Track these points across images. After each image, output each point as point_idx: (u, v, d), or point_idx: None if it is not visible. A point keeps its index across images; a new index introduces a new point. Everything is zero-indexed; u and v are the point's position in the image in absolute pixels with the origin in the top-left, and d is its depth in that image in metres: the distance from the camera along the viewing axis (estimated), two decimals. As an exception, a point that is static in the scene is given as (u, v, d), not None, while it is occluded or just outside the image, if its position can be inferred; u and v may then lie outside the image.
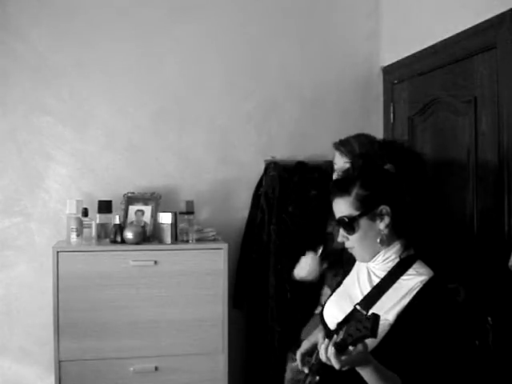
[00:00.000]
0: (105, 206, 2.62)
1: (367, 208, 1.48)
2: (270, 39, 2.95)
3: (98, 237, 2.60)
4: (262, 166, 2.88)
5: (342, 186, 1.52)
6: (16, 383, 2.73)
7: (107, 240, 2.56)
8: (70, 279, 2.39)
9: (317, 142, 2.94)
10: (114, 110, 2.80)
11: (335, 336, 1.31)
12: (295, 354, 1.67)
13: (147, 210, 2.68)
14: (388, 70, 2.93)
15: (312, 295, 2.27)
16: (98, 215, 2.61)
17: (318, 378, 1.50)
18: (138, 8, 2.81)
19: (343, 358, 1.28)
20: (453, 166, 2.34)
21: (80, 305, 2.40)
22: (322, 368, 1.44)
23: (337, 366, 1.29)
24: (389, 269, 1.50)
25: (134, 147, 2.83)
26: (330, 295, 1.67)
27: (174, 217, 2.59)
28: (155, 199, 2.72)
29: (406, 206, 1.50)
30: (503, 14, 1.98)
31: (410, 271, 1.48)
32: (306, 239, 2.30)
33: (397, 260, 1.50)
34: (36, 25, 2.71)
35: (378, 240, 1.48)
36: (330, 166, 2.27)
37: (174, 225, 2.60)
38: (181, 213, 2.65)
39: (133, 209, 2.69)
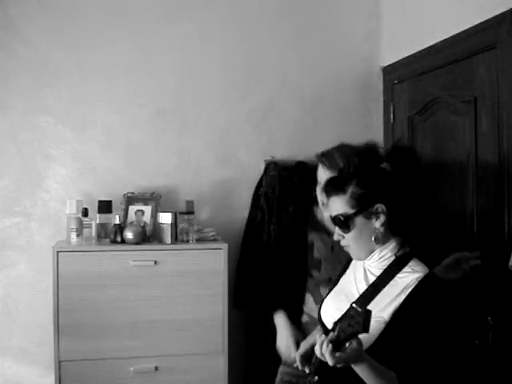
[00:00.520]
0: (105, 206, 2.62)
1: (363, 206, 1.48)
2: (270, 39, 2.95)
3: (98, 237, 2.60)
4: (262, 166, 2.88)
5: (338, 185, 1.53)
6: (16, 383, 2.73)
7: (107, 240, 2.56)
8: (70, 279, 2.39)
9: (317, 142, 2.90)
10: (114, 109, 2.80)
11: (331, 333, 1.32)
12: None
13: (147, 210, 2.68)
14: (388, 70, 2.93)
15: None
16: (97, 215, 2.61)
17: (316, 377, 1.50)
18: (137, 8, 2.81)
19: (337, 354, 1.29)
20: (453, 166, 2.33)
21: (80, 305, 2.40)
22: (321, 368, 1.44)
23: (331, 363, 1.30)
24: (385, 267, 1.51)
25: (134, 147, 2.83)
26: (327, 294, 1.68)
27: (173, 217, 2.59)
28: (155, 199, 2.72)
29: (402, 204, 1.50)
30: (503, 14, 1.98)
31: (406, 269, 1.48)
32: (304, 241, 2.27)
33: (392, 258, 1.51)
34: (36, 25, 2.71)
35: (373, 238, 1.49)
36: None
37: (174, 225, 2.60)
38: (181, 213, 2.65)
39: (133, 209, 2.69)
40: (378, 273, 1.51)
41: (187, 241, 2.59)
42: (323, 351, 1.31)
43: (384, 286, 1.47)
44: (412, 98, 2.68)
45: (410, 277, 1.45)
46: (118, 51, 2.79)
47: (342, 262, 1.73)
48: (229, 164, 2.93)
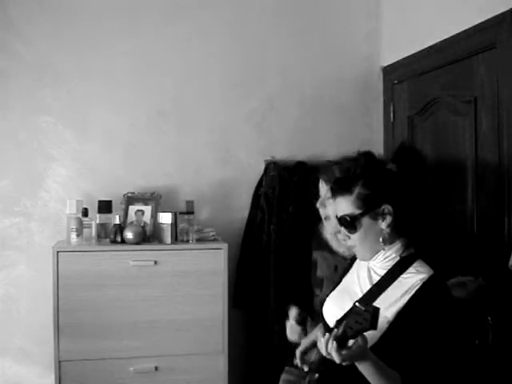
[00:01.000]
0: (105, 206, 2.62)
1: (369, 207, 1.48)
2: (270, 39, 2.95)
3: (98, 237, 2.60)
4: (262, 166, 2.88)
5: (344, 185, 1.52)
6: (16, 383, 2.73)
7: (107, 240, 2.56)
8: (70, 279, 2.40)
9: (317, 142, 2.94)
10: (113, 109, 2.80)
11: (335, 330, 1.32)
12: (290, 365, 1.65)
13: (147, 210, 2.68)
14: (388, 70, 2.93)
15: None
16: (97, 215, 2.61)
17: (317, 375, 1.50)
18: (137, 9, 2.81)
19: (344, 352, 1.29)
20: (453, 166, 2.33)
21: (80, 305, 2.40)
22: (321, 366, 1.44)
23: (338, 360, 1.29)
24: (389, 267, 1.51)
25: (134, 147, 2.83)
26: (330, 292, 1.68)
27: (173, 217, 2.59)
28: (155, 199, 2.72)
29: (408, 205, 1.50)
30: (503, 14, 1.98)
31: (411, 269, 1.48)
32: (306, 240, 2.27)
33: (397, 259, 1.51)
34: (36, 26, 2.71)
35: (381, 239, 1.49)
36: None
37: (174, 225, 2.60)
38: (181, 213, 2.65)
39: (133, 209, 2.69)
40: (383, 273, 1.51)
41: (187, 241, 2.59)
42: (329, 349, 1.30)
43: (388, 285, 1.47)
44: (412, 98, 2.68)
45: (414, 278, 1.45)
46: (118, 52, 2.79)
47: None
48: (229, 164, 2.93)
